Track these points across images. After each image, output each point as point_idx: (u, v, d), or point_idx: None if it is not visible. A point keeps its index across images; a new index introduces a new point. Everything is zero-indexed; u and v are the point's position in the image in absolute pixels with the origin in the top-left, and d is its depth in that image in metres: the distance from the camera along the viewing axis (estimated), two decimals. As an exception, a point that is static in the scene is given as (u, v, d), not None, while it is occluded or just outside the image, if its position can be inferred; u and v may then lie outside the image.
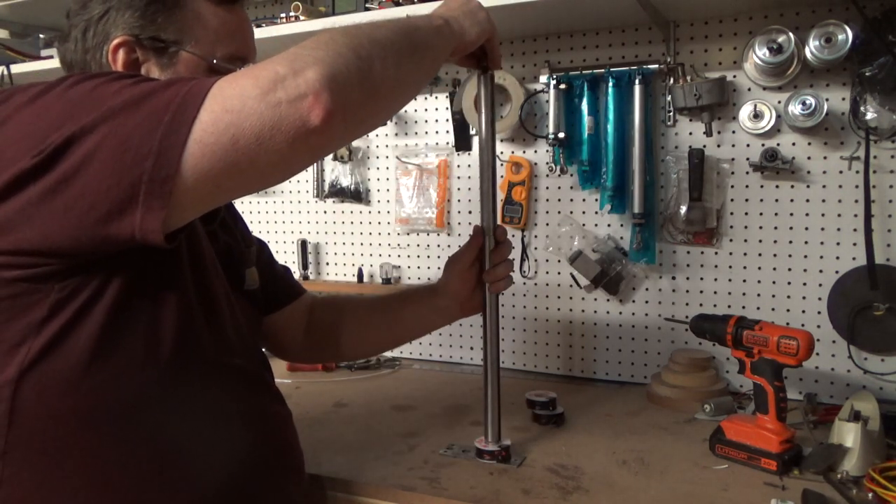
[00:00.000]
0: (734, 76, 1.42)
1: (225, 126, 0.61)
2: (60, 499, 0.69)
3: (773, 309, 1.43)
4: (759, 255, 1.44)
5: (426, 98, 1.72)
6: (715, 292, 1.48)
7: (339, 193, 1.81)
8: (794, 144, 1.39)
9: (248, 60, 0.86)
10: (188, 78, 0.65)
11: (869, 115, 1.31)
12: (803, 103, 1.32)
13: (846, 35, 1.26)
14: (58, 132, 0.61)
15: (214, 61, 0.82)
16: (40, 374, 0.67)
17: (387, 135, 1.77)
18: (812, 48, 1.29)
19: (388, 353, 1.80)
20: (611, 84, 1.48)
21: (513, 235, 1.64)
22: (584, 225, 1.58)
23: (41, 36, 1.82)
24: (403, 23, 0.78)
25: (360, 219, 1.83)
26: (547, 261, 1.63)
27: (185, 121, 0.61)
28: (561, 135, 1.52)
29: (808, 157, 1.38)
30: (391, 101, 0.77)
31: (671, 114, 1.47)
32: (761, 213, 1.43)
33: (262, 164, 0.63)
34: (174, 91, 0.62)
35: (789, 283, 1.42)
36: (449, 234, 1.73)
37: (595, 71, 1.50)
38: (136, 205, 0.61)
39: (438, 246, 1.74)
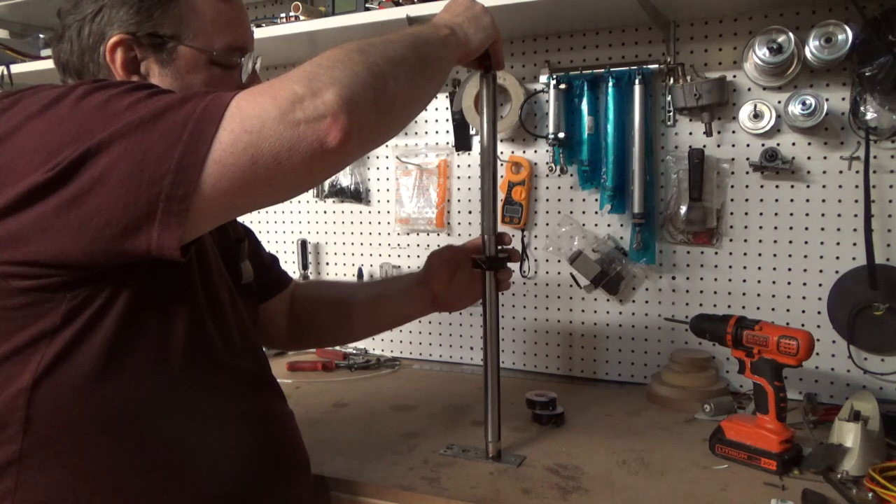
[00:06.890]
0: (734, 76, 1.42)
1: (244, 146, 0.61)
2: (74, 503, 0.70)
3: (773, 309, 1.43)
4: (759, 255, 1.44)
5: (426, 98, 1.72)
6: (715, 292, 1.48)
7: (339, 193, 1.81)
8: (794, 144, 1.39)
9: (247, 50, 0.86)
10: (204, 92, 0.65)
11: (869, 115, 1.30)
12: (803, 103, 1.32)
13: (846, 35, 1.26)
14: (72, 146, 0.61)
15: (214, 53, 0.82)
16: (54, 381, 0.68)
17: (387, 135, 1.78)
18: (812, 48, 1.29)
19: (389, 353, 1.80)
20: (611, 84, 1.48)
21: (513, 235, 1.64)
22: (584, 225, 1.58)
23: (41, 36, 1.81)
24: (413, 37, 0.78)
25: (360, 219, 1.83)
26: (547, 261, 1.63)
27: (203, 139, 0.61)
28: (561, 135, 1.52)
29: (808, 157, 1.38)
30: (403, 117, 0.79)
31: (671, 114, 1.47)
32: (761, 213, 1.43)
33: (279, 183, 0.64)
34: (191, 107, 0.62)
35: (789, 283, 1.42)
36: (449, 234, 1.73)
37: (595, 71, 1.50)
38: (153, 222, 0.62)
39: (438, 246, 1.73)
